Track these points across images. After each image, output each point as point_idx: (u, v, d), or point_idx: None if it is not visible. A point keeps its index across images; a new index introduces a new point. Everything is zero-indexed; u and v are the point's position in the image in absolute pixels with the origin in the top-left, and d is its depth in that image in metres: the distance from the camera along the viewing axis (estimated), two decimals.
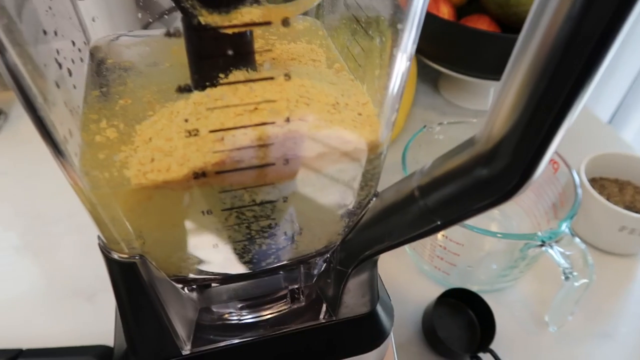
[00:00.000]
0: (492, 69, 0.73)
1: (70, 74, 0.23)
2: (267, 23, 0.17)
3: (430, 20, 0.72)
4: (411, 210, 0.23)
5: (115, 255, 0.24)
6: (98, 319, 0.55)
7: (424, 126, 0.61)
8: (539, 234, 0.48)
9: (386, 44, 0.22)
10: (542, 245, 0.49)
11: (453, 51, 0.73)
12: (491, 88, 0.85)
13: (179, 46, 0.25)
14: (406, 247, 0.62)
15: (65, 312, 0.56)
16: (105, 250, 0.24)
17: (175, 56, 0.25)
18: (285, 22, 0.17)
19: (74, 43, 0.25)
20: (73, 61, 0.23)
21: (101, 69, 0.24)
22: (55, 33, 0.22)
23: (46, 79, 0.19)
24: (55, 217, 0.66)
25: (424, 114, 0.85)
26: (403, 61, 0.21)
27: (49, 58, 0.20)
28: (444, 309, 0.55)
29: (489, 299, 0.53)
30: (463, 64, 0.74)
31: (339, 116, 0.21)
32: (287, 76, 0.19)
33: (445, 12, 0.76)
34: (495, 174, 0.19)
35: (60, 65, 0.21)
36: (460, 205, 0.21)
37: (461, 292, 0.55)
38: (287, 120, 0.19)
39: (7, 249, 0.62)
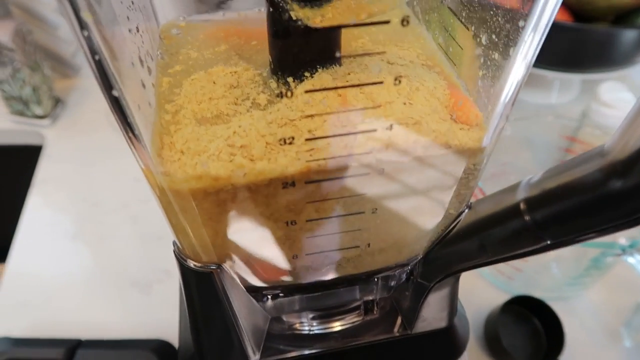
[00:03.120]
0: (561, 61, 0.68)
1: (150, 72, 0.21)
2: (386, 22, 0.15)
3: None
4: (513, 225, 0.21)
5: (191, 264, 0.22)
6: (153, 311, 0.55)
7: None
8: (620, 241, 0.45)
9: (499, 43, 0.19)
10: (621, 255, 0.45)
11: None
12: (556, 81, 0.80)
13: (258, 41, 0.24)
14: None
15: (120, 303, 0.56)
16: (180, 258, 0.23)
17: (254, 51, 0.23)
18: (405, 21, 0.15)
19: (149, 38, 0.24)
20: (152, 58, 0.22)
21: (168, 59, 0.22)
22: (137, 29, 0.20)
23: (131, 76, 0.18)
24: (110, 207, 0.67)
25: None
26: (521, 66, 0.18)
27: (134, 57, 0.18)
28: (508, 316, 0.52)
29: (556, 307, 0.50)
30: None
31: (440, 120, 0.19)
32: (398, 80, 0.17)
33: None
34: (630, 186, 0.16)
35: (142, 63, 0.20)
36: (578, 224, 0.19)
37: (526, 300, 0.52)
38: (390, 127, 0.17)
39: (64, 237, 0.63)
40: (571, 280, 0.52)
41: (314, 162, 0.18)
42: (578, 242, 0.19)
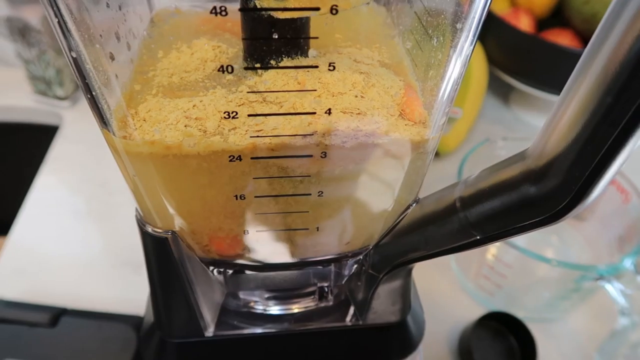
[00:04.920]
0: None
1: (129, 48, 0.23)
2: (316, 9, 0.17)
3: (508, 31, 0.68)
4: (450, 220, 0.22)
5: (149, 229, 0.24)
6: (141, 290, 0.57)
7: (487, 139, 0.58)
8: (599, 266, 0.45)
9: (444, 44, 0.21)
10: (599, 279, 0.45)
11: (530, 65, 0.69)
12: None
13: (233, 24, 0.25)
14: (452, 262, 0.59)
15: (111, 279, 0.58)
16: (140, 223, 0.24)
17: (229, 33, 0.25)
18: (333, 9, 0.16)
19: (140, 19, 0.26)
20: (134, 36, 0.24)
21: (155, 36, 0.24)
22: (120, 7, 0.22)
23: (104, 51, 0.19)
24: (117, 188, 0.70)
25: (489, 127, 0.81)
26: (457, 65, 0.19)
27: (109, 31, 0.20)
28: (484, 331, 0.52)
29: (534, 328, 0.50)
30: (539, 79, 0.70)
31: (389, 115, 0.20)
32: (332, 66, 0.19)
33: (525, 23, 0.72)
34: (544, 192, 0.17)
35: (118, 38, 0.21)
36: (502, 222, 0.20)
37: (505, 317, 0.52)
38: (329, 112, 0.19)
39: (70, 212, 0.66)
40: (551, 301, 0.52)
41: (258, 139, 0.19)
42: (502, 238, 0.20)
